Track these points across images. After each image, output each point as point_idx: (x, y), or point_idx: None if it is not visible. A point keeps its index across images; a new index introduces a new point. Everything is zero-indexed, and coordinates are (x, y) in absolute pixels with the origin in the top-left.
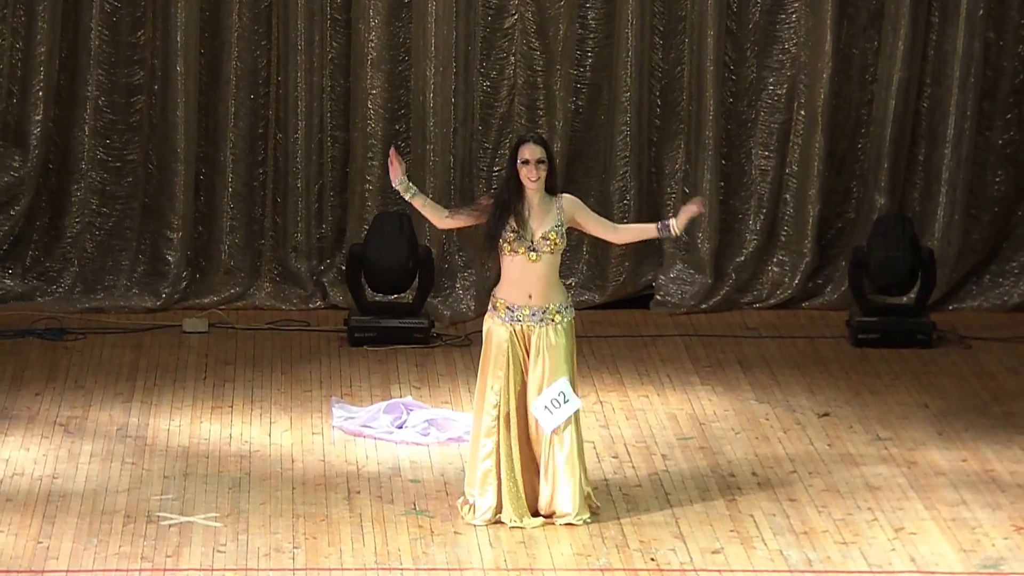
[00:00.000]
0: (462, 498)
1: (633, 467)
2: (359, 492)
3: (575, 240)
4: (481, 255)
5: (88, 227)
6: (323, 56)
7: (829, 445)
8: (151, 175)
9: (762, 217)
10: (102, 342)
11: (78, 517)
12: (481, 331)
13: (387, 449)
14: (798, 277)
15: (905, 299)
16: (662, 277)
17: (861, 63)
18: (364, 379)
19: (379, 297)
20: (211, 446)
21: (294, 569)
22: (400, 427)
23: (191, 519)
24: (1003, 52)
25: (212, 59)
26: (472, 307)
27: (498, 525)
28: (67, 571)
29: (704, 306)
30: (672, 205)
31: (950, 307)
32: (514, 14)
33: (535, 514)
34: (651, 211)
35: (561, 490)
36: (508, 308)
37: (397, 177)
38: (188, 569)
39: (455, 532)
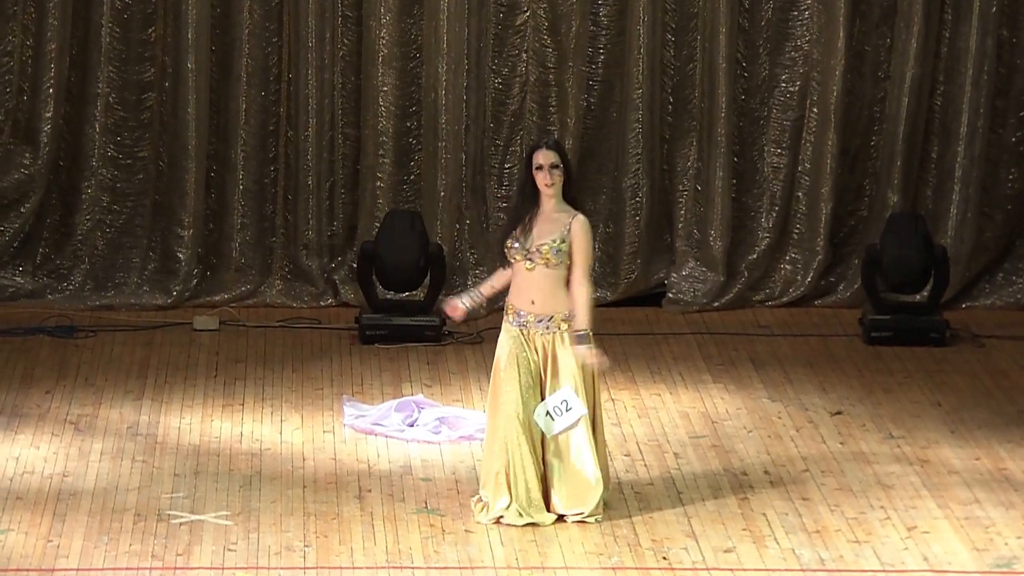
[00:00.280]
0: (476, 496)
1: (645, 465)
2: (370, 490)
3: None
4: (497, 258)
5: (99, 224)
6: (334, 53)
7: (842, 443)
8: (162, 172)
9: (774, 215)
10: (112, 340)
11: (88, 515)
12: (493, 329)
13: (398, 447)
14: (811, 275)
15: (918, 297)
16: (674, 275)
17: (874, 60)
18: (375, 377)
19: (390, 295)
20: (222, 444)
21: (305, 568)
22: (411, 425)
23: (202, 517)
24: (1016, 49)
25: (223, 56)
26: (483, 305)
27: (510, 523)
28: (77, 569)
29: (716, 304)
30: (684, 202)
31: (963, 305)
32: (526, 11)
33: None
34: (663, 208)
35: (576, 488)
36: (516, 313)
37: (462, 311)
38: (199, 568)
39: (466, 531)
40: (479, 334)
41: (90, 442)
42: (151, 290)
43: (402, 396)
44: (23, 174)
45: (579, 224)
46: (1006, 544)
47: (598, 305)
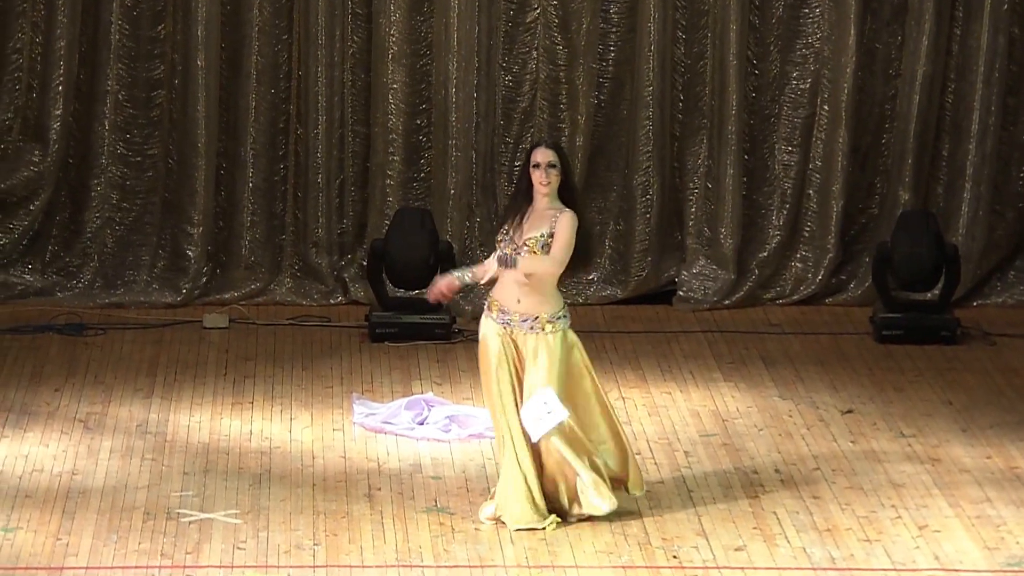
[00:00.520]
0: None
1: (655, 464)
2: (380, 489)
3: (596, 235)
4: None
5: (108, 222)
6: (344, 50)
7: (853, 442)
8: (171, 170)
9: (785, 212)
10: (122, 338)
11: (97, 514)
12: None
13: (408, 446)
14: (821, 273)
15: (929, 295)
16: (685, 273)
17: (885, 58)
18: (385, 375)
19: (400, 293)
20: (231, 442)
21: (314, 566)
22: (421, 423)
23: (211, 516)
24: None
25: (233, 53)
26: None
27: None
28: (86, 568)
29: (727, 302)
30: (694, 200)
31: (974, 303)
32: (536, 8)
33: (553, 511)
34: (673, 206)
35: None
36: (501, 310)
37: (455, 285)
38: (208, 566)
39: (476, 529)
40: None
41: (99, 440)
42: (160, 288)
43: (412, 394)
44: (32, 172)
45: (567, 215)
46: (1017, 543)
47: (607, 303)
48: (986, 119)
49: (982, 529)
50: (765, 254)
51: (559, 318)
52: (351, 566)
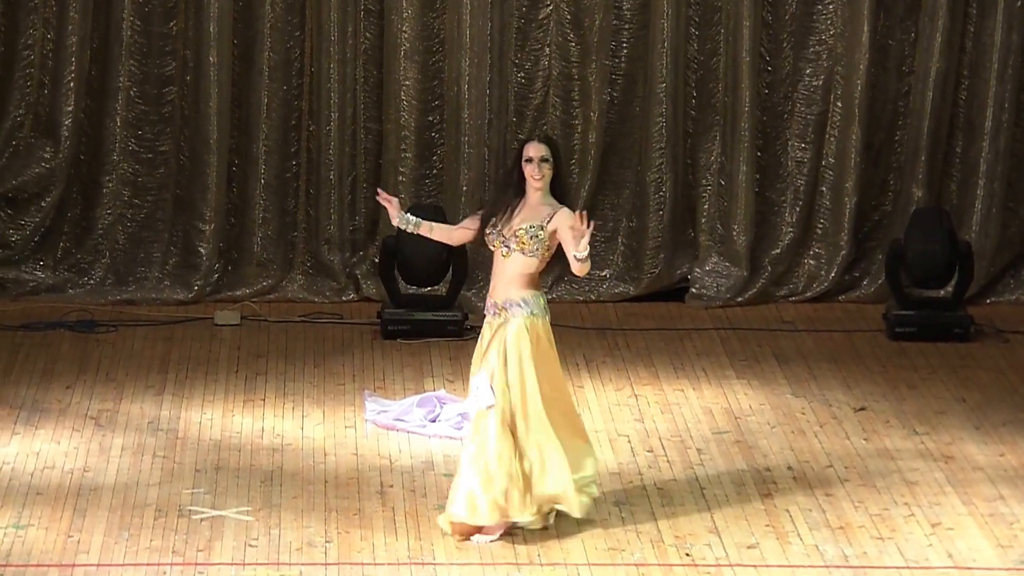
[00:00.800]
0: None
1: (668, 461)
2: (392, 486)
3: (609, 232)
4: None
5: (120, 219)
6: (356, 47)
7: (866, 440)
8: (183, 166)
9: (798, 209)
10: (133, 335)
11: (109, 511)
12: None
13: (420, 443)
14: (834, 270)
15: (942, 292)
16: (697, 270)
17: (898, 55)
18: (397, 372)
19: (412, 290)
20: (243, 440)
21: (326, 564)
22: (433, 421)
23: (223, 513)
24: None
25: (245, 50)
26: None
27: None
28: (98, 565)
29: (740, 299)
30: (707, 197)
31: (988, 300)
32: (549, 5)
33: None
34: (686, 203)
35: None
36: (493, 303)
37: (396, 216)
38: (219, 563)
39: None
40: None
41: (111, 437)
42: (172, 285)
43: (424, 391)
44: (44, 168)
45: (564, 211)
46: None
47: (620, 300)
48: (1000, 116)
49: (995, 527)
50: (778, 251)
51: (528, 302)
52: (363, 563)
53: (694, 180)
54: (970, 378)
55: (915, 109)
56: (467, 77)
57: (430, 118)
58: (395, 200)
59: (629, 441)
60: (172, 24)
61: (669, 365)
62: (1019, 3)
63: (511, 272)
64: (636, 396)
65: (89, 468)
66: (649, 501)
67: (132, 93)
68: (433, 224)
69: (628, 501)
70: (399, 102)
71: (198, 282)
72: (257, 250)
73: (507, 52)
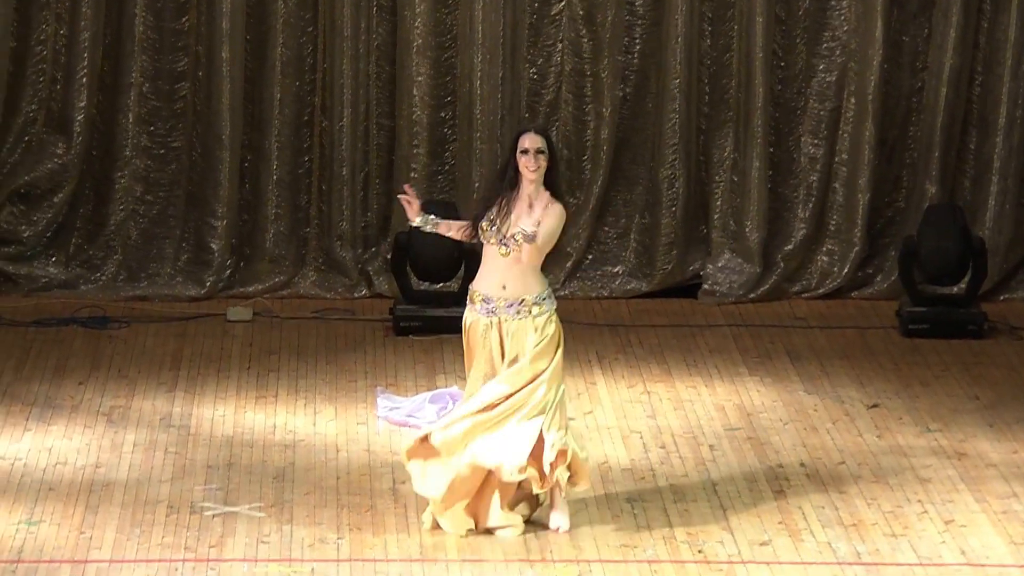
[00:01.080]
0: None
1: (680, 458)
2: (404, 483)
3: (621, 228)
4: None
5: (132, 215)
6: (369, 43)
7: (878, 437)
8: (195, 162)
9: (811, 206)
10: (146, 331)
11: (121, 507)
12: None
13: None
14: (847, 266)
15: (956, 289)
16: (710, 266)
17: (912, 50)
18: (409, 369)
19: (425, 286)
20: (255, 436)
21: (338, 560)
22: None
23: (235, 509)
24: None
25: (257, 45)
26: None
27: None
28: (110, 561)
29: (752, 296)
30: (720, 193)
31: (1001, 297)
32: (561, 1)
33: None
34: (699, 199)
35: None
36: (484, 300)
37: (416, 216)
38: (231, 560)
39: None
40: None
41: (123, 433)
42: (184, 281)
43: (436, 388)
44: (56, 164)
45: (554, 207)
46: None
47: (632, 296)
48: (1013, 112)
49: (1008, 524)
50: (791, 247)
51: (544, 299)
52: (375, 560)
53: (707, 176)
54: (983, 375)
55: (928, 105)
56: (479, 73)
57: (442, 114)
58: (416, 202)
59: (641, 438)
60: (184, 20)
61: (681, 362)
62: None
63: (518, 269)
64: (648, 393)
65: (101, 464)
66: (661, 498)
67: (144, 89)
68: (451, 222)
69: (640, 498)
70: (411, 98)
71: (210, 278)
72: (269, 246)
73: (519, 48)
